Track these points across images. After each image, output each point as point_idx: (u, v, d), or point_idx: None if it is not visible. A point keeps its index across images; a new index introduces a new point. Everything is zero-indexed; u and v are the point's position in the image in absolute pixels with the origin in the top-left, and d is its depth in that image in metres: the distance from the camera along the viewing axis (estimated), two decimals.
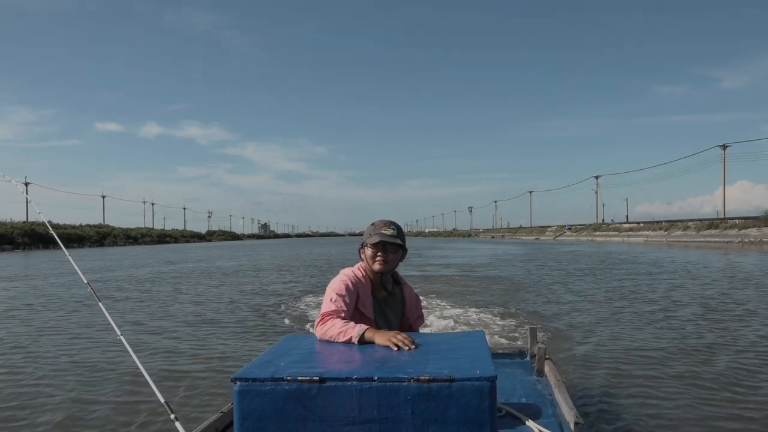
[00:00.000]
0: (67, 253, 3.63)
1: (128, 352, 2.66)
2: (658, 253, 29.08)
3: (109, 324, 2.93)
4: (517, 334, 7.09)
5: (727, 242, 42.20)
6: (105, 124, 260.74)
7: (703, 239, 46.68)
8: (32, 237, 51.96)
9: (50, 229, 4.02)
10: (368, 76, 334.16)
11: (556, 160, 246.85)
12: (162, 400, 2.27)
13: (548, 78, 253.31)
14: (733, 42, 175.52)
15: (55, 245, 47.46)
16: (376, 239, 2.70)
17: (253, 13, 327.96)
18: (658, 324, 7.75)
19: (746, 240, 41.89)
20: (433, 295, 11.58)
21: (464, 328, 7.71)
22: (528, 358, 3.69)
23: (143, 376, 2.47)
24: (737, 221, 47.99)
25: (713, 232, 48.25)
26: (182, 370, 5.57)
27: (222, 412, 2.58)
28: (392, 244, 2.71)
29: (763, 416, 4.06)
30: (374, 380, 1.90)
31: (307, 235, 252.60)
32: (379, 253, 2.71)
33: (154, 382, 2.41)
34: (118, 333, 2.80)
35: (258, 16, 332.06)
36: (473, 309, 9.37)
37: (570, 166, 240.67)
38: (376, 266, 2.71)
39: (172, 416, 2.16)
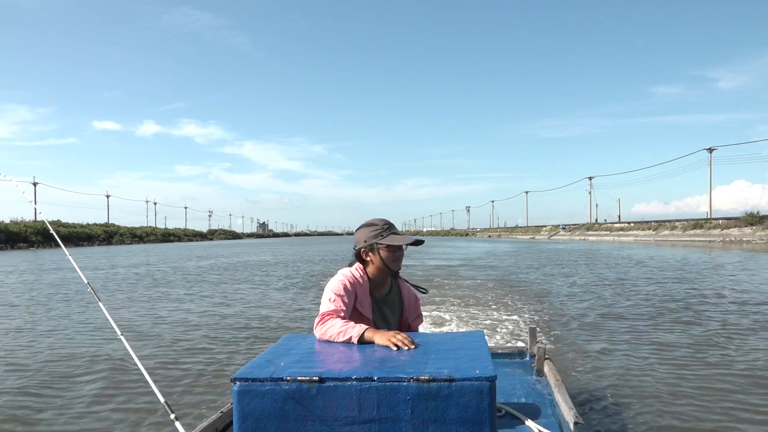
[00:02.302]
0: (67, 253, 3.62)
1: (128, 351, 2.66)
2: (634, 251, 32.42)
3: (110, 323, 2.92)
4: (516, 334, 7.10)
5: (710, 241, 44.27)
6: (103, 123, 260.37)
7: (688, 238, 48.88)
8: (44, 236, 52.80)
9: (50, 228, 4.02)
10: (366, 75, 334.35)
11: (553, 160, 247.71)
12: (162, 400, 2.26)
13: (545, 78, 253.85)
14: (731, 42, 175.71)
15: (65, 243, 49.58)
16: (403, 241, 2.72)
17: (250, 11, 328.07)
18: (651, 320, 7.78)
19: (727, 239, 43.98)
20: (439, 278, 15.46)
21: (464, 327, 7.72)
22: (528, 358, 3.69)
23: (143, 375, 2.46)
24: (720, 221, 50.54)
25: (698, 231, 50.61)
26: (182, 369, 5.58)
27: (222, 411, 2.58)
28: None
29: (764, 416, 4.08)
30: (374, 380, 1.90)
31: (306, 234, 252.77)
32: (399, 254, 2.75)
33: (154, 381, 2.40)
34: (119, 333, 2.79)
35: (255, 14, 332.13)
36: (472, 300, 9.40)
37: (567, 165, 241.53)
38: (397, 266, 2.76)
39: (172, 416, 2.16)
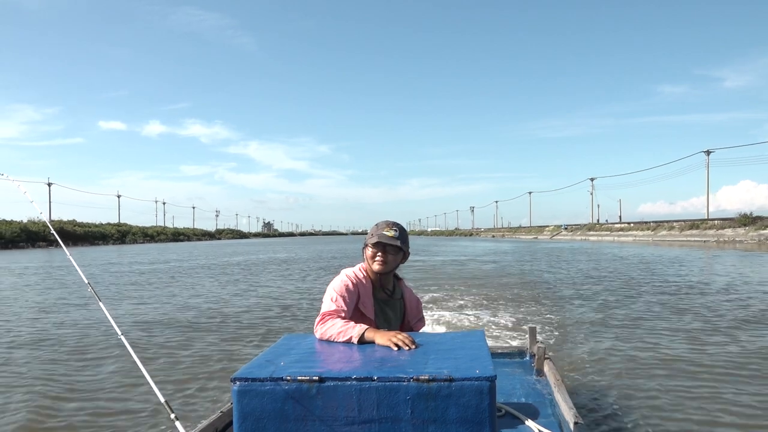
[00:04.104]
0: (68, 253, 3.63)
1: (129, 351, 2.66)
2: (629, 250, 34.47)
3: (110, 323, 2.92)
4: (516, 334, 7.08)
5: (704, 241, 45.60)
6: (109, 123, 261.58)
7: (685, 238, 50.18)
8: (62, 234, 54.29)
9: (51, 228, 4.04)
10: (366, 75, 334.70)
11: (554, 160, 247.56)
12: (162, 400, 2.26)
13: (545, 78, 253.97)
14: (733, 41, 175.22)
15: (81, 242, 58.43)
16: (375, 239, 2.70)
17: (255, 11, 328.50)
18: (647, 316, 7.76)
19: (721, 239, 45.25)
20: (442, 273, 17.45)
21: (464, 327, 7.71)
22: (527, 358, 3.69)
23: (144, 375, 2.46)
24: (716, 222, 52.08)
25: (694, 232, 51.93)
26: (183, 369, 5.58)
27: (221, 411, 2.58)
28: (392, 246, 2.70)
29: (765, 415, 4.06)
30: (374, 380, 1.90)
31: (311, 234, 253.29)
32: (378, 254, 2.70)
33: (154, 381, 2.41)
34: (119, 333, 2.80)
35: (260, 14, 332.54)
36: (472, 298, 9.40)
37: (568, 165, 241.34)
38: (376, 266, 2.71)
39: (172, 416, 2.16)
